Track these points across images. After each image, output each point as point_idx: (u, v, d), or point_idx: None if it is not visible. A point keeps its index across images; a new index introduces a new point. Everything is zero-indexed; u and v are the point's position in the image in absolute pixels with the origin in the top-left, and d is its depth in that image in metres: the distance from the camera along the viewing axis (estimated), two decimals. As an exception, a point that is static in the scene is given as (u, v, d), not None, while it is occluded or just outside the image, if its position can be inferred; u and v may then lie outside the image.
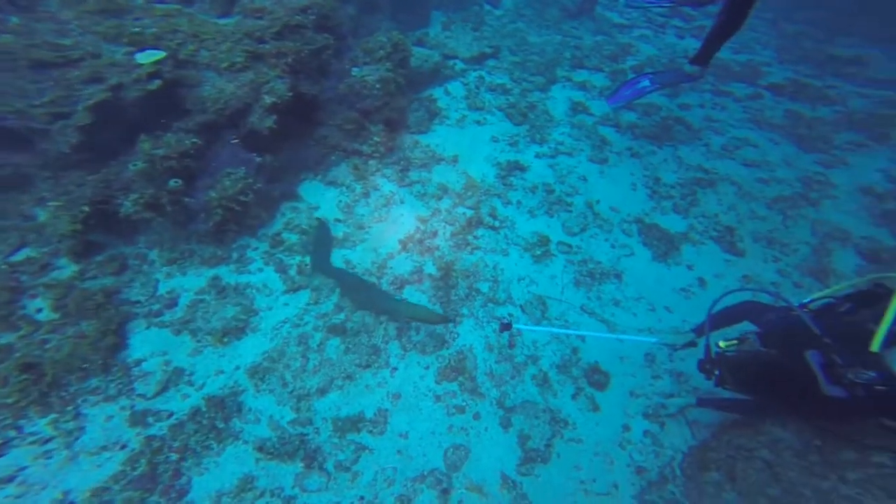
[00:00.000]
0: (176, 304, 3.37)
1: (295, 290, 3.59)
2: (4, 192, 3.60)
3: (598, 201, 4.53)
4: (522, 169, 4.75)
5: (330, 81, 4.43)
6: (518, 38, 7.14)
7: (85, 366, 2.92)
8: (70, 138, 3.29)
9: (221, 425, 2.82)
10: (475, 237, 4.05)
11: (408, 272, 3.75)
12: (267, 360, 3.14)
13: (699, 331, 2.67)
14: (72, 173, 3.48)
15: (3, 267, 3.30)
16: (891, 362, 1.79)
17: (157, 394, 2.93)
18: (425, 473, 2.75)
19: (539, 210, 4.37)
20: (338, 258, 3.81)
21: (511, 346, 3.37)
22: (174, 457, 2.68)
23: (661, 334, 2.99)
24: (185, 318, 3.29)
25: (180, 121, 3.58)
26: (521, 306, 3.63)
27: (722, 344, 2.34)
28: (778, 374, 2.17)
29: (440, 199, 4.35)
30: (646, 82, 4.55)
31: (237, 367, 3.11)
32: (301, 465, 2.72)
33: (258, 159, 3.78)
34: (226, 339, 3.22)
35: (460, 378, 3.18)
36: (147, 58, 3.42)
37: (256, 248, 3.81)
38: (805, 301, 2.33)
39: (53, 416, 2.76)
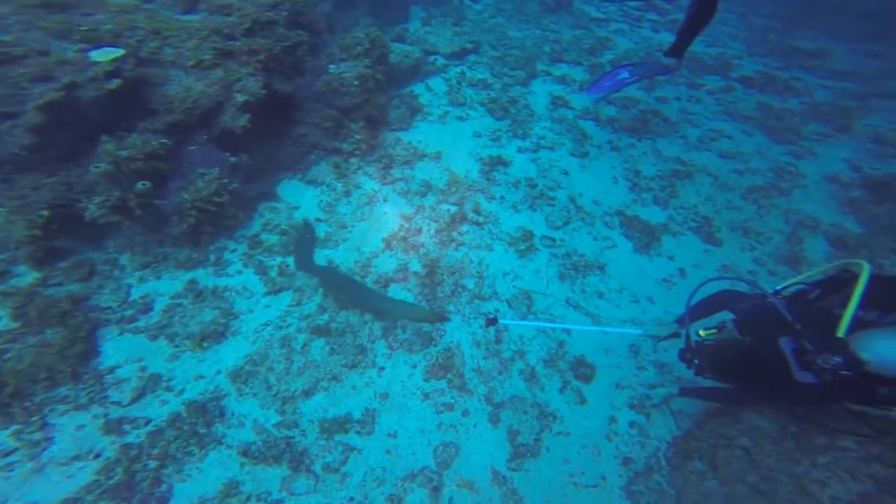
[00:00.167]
0: (151, 309, 3.27)
1: (276, 292, 3.51)
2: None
3: (580, 194, 4.57)
4: (505, 164, 4.74)
5: (306, 79, 4.33)
6: (498, 32, 7.11)
7: (51, 375, 2.80)
8: (21, 139, 3.10)
9: (203, 430, 2.76)
10: (460, 233, 4.03)
11: (392, 270, 3.70)
12: (249, 364, 3.08)
13: (682, 321, 2.72)
14: (27, 176, 3.29)
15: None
16: (855, 347, 1.83)
17: (133, 401, 2.84)
18: (415, 472, 2.74)
19: (522, 204, 4.38)
20: (320, 258, 3.74)
21: (498, 341, 3.37)
22: (153, 464, 2.60)
23: (646, 326, 3.04)
24: (161, 323, 3.20)
25: (146, 121, 3.43)
26: (507, 301, 3.63)
27: (702, 333, 2.39)
28: (753, 362, 2.20)
29: (424, 195, 4.31)
30: (624, 73, 4.61)
31: (218, 372, 3.04)
32: (288, 468, 2.68)
33: (233, 159, 3.68)
34: (205, 344, 3.14)
35: (448, 375, 3.17)
36: (103, 55, 3.25)
37: (234, 250, 3.70)
38: (779, 288, 2.38)
39: (16, 427, 2.63)
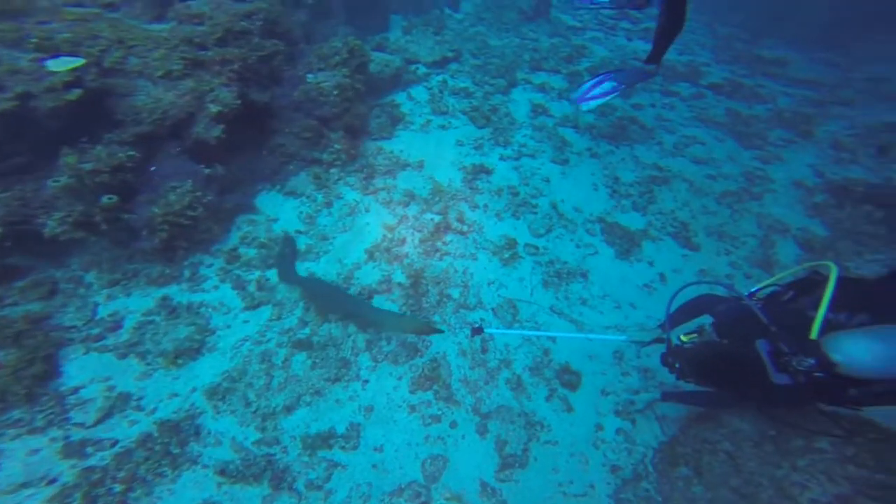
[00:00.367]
0: (120, 327, 3.14)
1: (255, 307, 3.41)
2: None
3: (562, 201, 4.63)
4: (488, 172, 4.76)
5: (283, 88, 4.28)
6: (479, 41, 7.18)
7: (3, 398, 2.67)
8: (-32, 152, 2.96)
9: (177, 450, 2.66)
10: (444, 243, 4.01)
11: (376, 282, 3.65)
12: (227, 380, 2.99)
13: (665, 326, 2.76)
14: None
15: None
16: (827, 349, 1.85)
17: (99, 422, 2.72)
18: (403, 486, 2.70)
19: (506, 213, 4.40)
20: (301, 271, 3.66)
21: (484, 350, 3.36)
22: (118, 488, 2.48)
23: (630, 332, 3.08)
24: (131, 340, 3.08)
25: (113, 132, 3.31)
26: (492, 310, 3.63)
27: (683, 338, 2.42)
28: (730, 364, 2.22)
29: (407, 205, 4.28)
30: (611, 82, 4.65)
31: (193, 389, 2.94)
32: (269, 486, 2.60)
33: (207, 171, 3.59)
34: (179, 361, 3.04)
35: (435, 387, 3.13)
36: (61, 65, 3.11)
37: (211, 265, 3.59)
38: (753, 290, 2.43)
39: (-47, 454, 2.48)
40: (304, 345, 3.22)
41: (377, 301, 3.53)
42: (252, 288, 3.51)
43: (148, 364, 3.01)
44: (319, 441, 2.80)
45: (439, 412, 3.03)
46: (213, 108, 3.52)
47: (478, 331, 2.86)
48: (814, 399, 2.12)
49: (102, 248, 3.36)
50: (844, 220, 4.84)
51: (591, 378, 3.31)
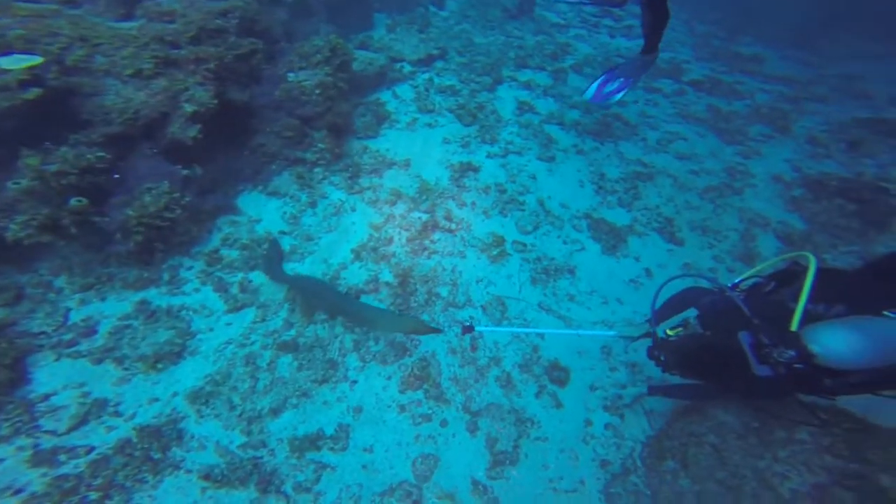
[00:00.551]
0: (94, 333, 3.04)
1: (238, 309, 3.34)
2: None
3: (549, 197, 4.64)
4: (475, 170, 4.75)
5: (263, 87, 4.19)
6: (464, 39, 7.15)
7: None
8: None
9: (157, 456, 2.59)
10: (432, 241, 3.98)
11: (363, 281, 3.60)
12: (210, 384, 2.92)
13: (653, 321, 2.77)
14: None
15: None
16: (807, 341, 1.86)
17: (72, 429, 2.63)
18: (394, 486, 2.68)
19: (493, 210, 4.39)
20: (286, 272, 3.59)
21: (473, 348, 3.34)
22: (94, 496, 2.40)
23: (619, 327, 3.09)
24: (106, 346, 2.99)
25: (80, 133, 3.18)
26: (482, 307, 3.62)
27: (669, 332, 2.43)
28: (713, 356, 2.23)
29: (394, 204, 4.24)
30: (619, 79, 4.61)
31: (174, 394, 2.87)
32: (256, 490, 2.56)
33: (185, 172, 3.49)
34: (159, 366, 2.96)
35: (425, 386, 3.11)
36: (14, 63, 2.96)
37: (191, 268, 3.50)
38: (736, 281, 2.45)
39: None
40: (289, 346, 3.16)
41: (364, 301, 3.49)
42: (235, 290, 3.43)
43: (126, 369, 2.92)
44: (307, 443, 2.76)
45: (429, 411, 3.01)
46: (189, 108, 3.42)
47: (469, 329, 2.84)
48: (793, 390, 2.13)
49: (73, 252, 3.24)
50: (820, 214, 4.97)
51: (579, 374, 3.33)
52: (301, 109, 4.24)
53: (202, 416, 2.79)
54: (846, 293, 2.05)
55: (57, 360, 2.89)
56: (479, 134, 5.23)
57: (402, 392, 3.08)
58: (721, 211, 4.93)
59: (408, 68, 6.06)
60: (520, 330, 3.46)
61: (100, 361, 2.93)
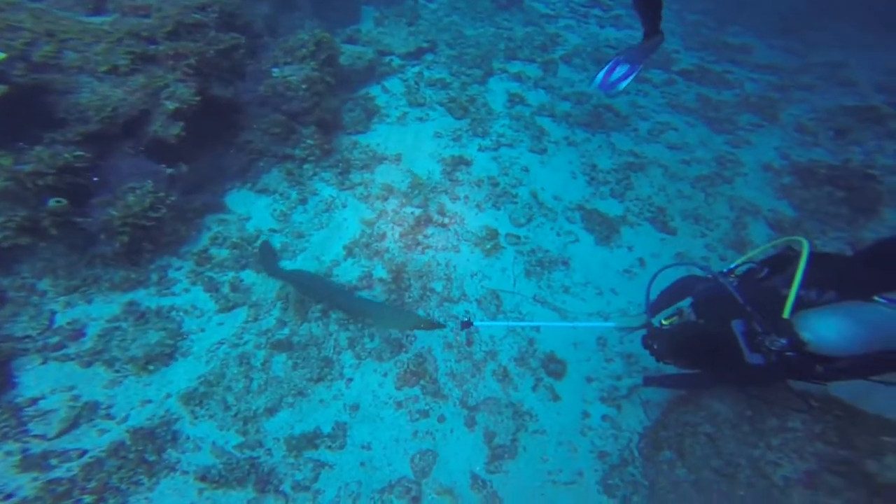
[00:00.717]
0: (82, 335, 2.99)
1: (230, 309, 3.29)
2: None
3: (542, 188, 4.62)
4: (467, 163, 4.71)
5: (247, 83, 4.10)
6: (454, 31, 7.06)
7: None
8: None
9: (153, 458, 2.56)
10: (425, 236, 3.95)
11: (356, 278, 3.56)
12: (203, 385, 2.89)
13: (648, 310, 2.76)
14: None
15: None
16: (798, 328, 1.85)
17: (63, 432, 2.59)
18: (393, 483, 2.67)
19: (486, 203, 4.36)
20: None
21: (469, 343, 3.33)
22: (88, 499, 2.37)
23: (615, 318, 3.10)
24: (95, 348, 2.93)
25: (56, 132, 3.08)
26: (477, 301, 3.60)
27: (664, 321, 2.43)
28: (706, 345, 2.21)
29: (386, 199, 4.19)
30: (625, 65, 4.54)
31: (168, 395, 2.84)
32: (253, 490, 2.54)
33: (169, 170, 3.40)
34: (151, 367, 2.91)
35: (422, 381, 3.10)
36: None
37: (180, 268, 3.43)
38: (732, 267, 2.43)
39: None
40: (283, 345, 3.12)
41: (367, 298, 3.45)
42: (226, 289, 3.37)
43: (116, 371, 2.87)
44: (305, 442, 2.75)
45: (427, 407, 3.00)
46: (170, 105, 3.32)
47: (468, 324, 2.82)
48: (785, 377, 2.14)
49: (56, 254, 3.16)
50: (810, 201, 5.03)
51: (575, 366, 3.34)
52: (287, 105, 4.16)
53: (196, 418, 2.77)
54: (837, 279, 2.04)
55: (43, 363, 2.84)
56: (471, 127, 5.18)
57: (398, 389, 3.06)
58: (712, 200, 4.95)
59: (397, 62, 5.98)
60: (519, 324, 3.46)
61: (89, 364, 2.87)
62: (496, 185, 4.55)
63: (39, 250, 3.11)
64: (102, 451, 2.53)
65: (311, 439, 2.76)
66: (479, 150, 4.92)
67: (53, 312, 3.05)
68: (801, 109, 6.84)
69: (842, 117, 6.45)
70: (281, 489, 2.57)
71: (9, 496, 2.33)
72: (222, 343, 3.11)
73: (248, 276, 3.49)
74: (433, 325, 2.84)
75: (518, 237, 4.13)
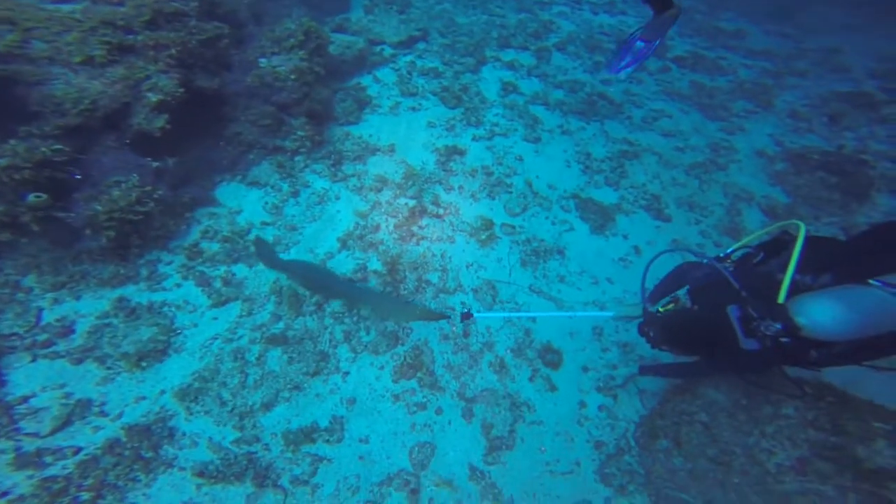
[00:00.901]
0: (72, 332, 2.94)
1: (223, 304, 3.25)
2: None
3: (536, 177, 4.59)
4: (461, 153, 4.65)
5: (234, 74, 4.00)
6: (446, 19, 6.94)
7: None
8: None
9: (149, 454, 2.55)
10: (420, 227, 3.91)
11: (351, 270, 3.53)
12: (198, 381, 2.87)
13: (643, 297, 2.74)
14: None
15: None
16: (793, 313, 1.83)
17: (56, 430, 2.57)
18: (392, 476, 2.68)
19: (481, 193, 4.32)
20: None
21: (466, 334, 3.32)
22: (86, 496, 2.36)
23: (611, 306, 3.08)
24: (86, 345, 2.89)
25: (31, 125, 2.99)
26: (473, 290, 3.58)
27: (660, 308, 2.42)
28: (701, 330, 2.19)
29: (379, 191, 4.13)
30: (640, 43, 4.39)
31: (162, 392, 2.81)
32: (252, 485, 2.54)
33: (156, 164, 3.33)
34: (144, 364, 2.88)
35: (419, 374, 3.09)
36: None
37: (171, 263, 3.37)
38: (728, 251, 2.40)
39: None
40: (278, 340, 3.09)
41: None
42: (218, 284, 3.32)
43: (108, 368, 2.84)
44: (302, 436, 2.74)
45: (424, 399, 2.99)
46: (153, 97, 3.23)
47: (467, 315, 2.80)
48: (780, 362, 2.12)
49: (40, 250, 3.09)
50: (803, 187, 5.04)
51: (571, 356, 3.34)
52: (277, 96, 4.07)
53: (192, 413, 2.75)
54: (833, 263, 2.03)
55: (33, 361, 2.80)
56: (465, 116, 5.11)
57: (395, 381, 3.05)
58: (706, 187, 4.94)
59: (388, 51, 5.87)
60: (517, 314, 3.44)
61: (80, 361, 2.83)
62: (490, 174, 4.50)
63: (21, 246, 3.04)
64: (98, 449, 2.52)
65: (308, 433, 2.75)
66: (473, 139, 4.87)
67: (40, 309, 3.00)
68: (795, 95, 6.83)
69: (835, 103, 6.45)
70: (279, 483, 2.57)
71: (4, 493, 2.31)
72: (216, 338, 3.08)
73: (241, 270, 3.44)
74: (438, 315, 2.85)
75: (513, 227, 4.10)
